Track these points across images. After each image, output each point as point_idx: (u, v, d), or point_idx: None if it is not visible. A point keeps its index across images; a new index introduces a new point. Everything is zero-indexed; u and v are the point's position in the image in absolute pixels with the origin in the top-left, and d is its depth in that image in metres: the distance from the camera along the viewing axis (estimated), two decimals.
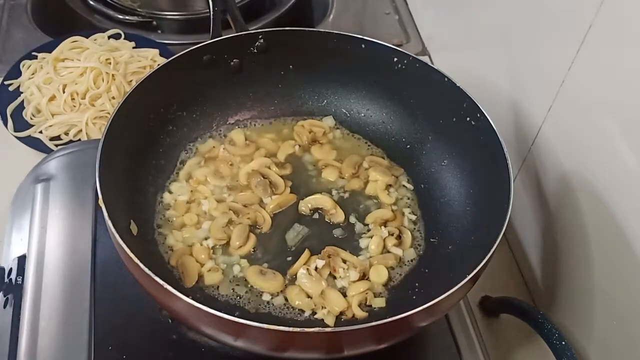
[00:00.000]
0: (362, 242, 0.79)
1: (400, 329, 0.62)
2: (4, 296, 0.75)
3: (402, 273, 0.77)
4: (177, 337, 0.73)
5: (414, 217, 0.83)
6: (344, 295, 0.73)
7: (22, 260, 0.77)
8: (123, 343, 0.71)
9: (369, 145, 0.90)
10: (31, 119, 1.00)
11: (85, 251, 0.78)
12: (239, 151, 0.87)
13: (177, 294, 0.58)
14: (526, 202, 0.87)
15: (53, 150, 0.93)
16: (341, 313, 0.71)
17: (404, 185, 0.86)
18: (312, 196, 0.82)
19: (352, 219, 0.81)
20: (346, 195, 0.84)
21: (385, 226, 0.80)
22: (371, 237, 0.79)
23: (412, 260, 0.78)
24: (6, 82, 1.05)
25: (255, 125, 0.91)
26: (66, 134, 0.99)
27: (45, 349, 0.69)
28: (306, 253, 0.76)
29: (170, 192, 0.82)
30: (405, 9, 1.32)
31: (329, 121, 0.92)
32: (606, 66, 0.67)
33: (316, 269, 0.74)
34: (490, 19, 0.94)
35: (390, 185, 0.85)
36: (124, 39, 1.12)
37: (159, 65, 0.82)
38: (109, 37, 1.12)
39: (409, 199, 0.85)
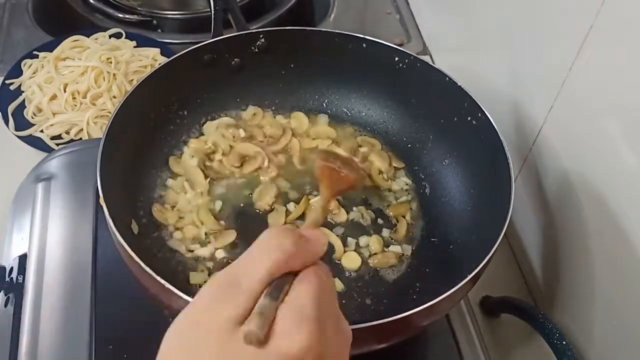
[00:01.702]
0: (362, 241, 0.79)
1: (400, 329, 0.62)
2: (5, 295, 0.76)
3: (402, 271, 0.77)
4: None
5: (413, 211, 0.83)
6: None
7: (22, 259, 0.77)
8: (124, 342, 0.71)
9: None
10: (32, 118, 1.00)
11: (86, 250, 0.78)
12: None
13: (179, 293, 0.58)
14: (527, 202, 0.87)
15: (54, 150, 0.93)
16: None
17: (404, 181, 0.86)
18: (318, 197, 0.82)
19: (352, 215, 0.81)
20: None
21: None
22: (370, 235, 0.79)
23: (410, 256, 0.78)
24: (7, 81, 1.05)
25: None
26: (67, 133, 0.99)
27: (46, 348, 0.69)
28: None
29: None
30: (406, 8, 1.32)
31: (323, 119, 0.92)
32: (607, 66, 0.67)
33: None
34: (491, 19, 0.94)
35: (385, 171, 0.86)
36: (125, 38, 1.12)
37: (159, 64, 0.82)
38: (110, 36, 1.12)
39: (408, 194, 0.85)
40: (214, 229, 0.77)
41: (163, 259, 0.75)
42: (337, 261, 0.77)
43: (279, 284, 0.39)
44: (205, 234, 0.77)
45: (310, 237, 0.43)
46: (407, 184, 0.86)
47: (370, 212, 0.82)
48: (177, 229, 0.78)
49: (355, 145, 0.89)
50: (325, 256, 0.43)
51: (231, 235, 0.77)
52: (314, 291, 0.39)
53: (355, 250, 0.78)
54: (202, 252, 0.76)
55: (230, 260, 0.75)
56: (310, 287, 0.39)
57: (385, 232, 0.80)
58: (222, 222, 0.79)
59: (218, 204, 0.81)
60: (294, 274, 0.40)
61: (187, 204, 0.80)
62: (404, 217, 0.82)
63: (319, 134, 0.90)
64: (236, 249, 0.77)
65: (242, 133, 0.88)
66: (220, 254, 0.76)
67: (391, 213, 0.82)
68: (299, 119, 0.91)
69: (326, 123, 0.92)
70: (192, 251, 0.76)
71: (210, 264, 0.75)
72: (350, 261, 0.77)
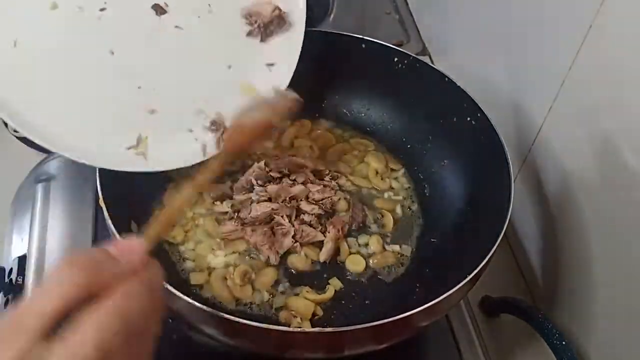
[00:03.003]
0: (361, 239, 0.79)
1: (400, 329, 0.62)
2: (5, 296, 0.76)
3: (402, 271, 0.77)
4: (177, 337, 0.73)
5: (408, 207, 0.84)
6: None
7: (22, 260, 0.77)
8: None
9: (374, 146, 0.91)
10: None
11: None
12: None
13: (178, 294, 0.58)
14: (526, 202, 0.87)
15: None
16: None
17: (403, 181, 0.87)
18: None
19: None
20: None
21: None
22: (370, 235, 0.80)
23: (410, 256, 0.78)
24: None
25: None
26: None
27: None
28: None
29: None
30: (405, 8, 1.32)
31: (323, 124, 0.93)
32: (606, 66, 0.67)
33: None
34: (490, 19, 0.94)
35: (381, 172, 0.86)
36: None
37: None
38: None
39: (407, 194, 0.85)
40: (224, 237, 0.77)
41: (162, 259, 0.74)
42: (340, 263, 0.77)
43: (69, 319, 0.37)
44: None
45: (119, 253, 0.41)
46: (406, 185, 0.86)
47: (372, 212, 0.82)
48: (185, 244, 0.77)
49: (347, 148, 0.90)
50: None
51: (241, 245, 0.76)
52: (100, 321, 0.37)
53: (357, 252, 0.78)
54: (217, 261, 0.75)
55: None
56: (98, 317, 0.37)
57: (374, 228, 0.80)
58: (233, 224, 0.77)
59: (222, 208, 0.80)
60: (101, 297, 0.38)
61: (184, 216, 0.79)
62: (391, 212, 0.82)
63: (317, 138, 0.90)
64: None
65: None
66: (230, 259, 0.76)
67: (378, 205, 0.83)
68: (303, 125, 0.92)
69: (326, 127, 0.92)
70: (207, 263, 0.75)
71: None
72: (355, 263, 0.77)
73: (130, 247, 0.43)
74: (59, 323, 0.36)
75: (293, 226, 0.76)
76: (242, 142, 0.62)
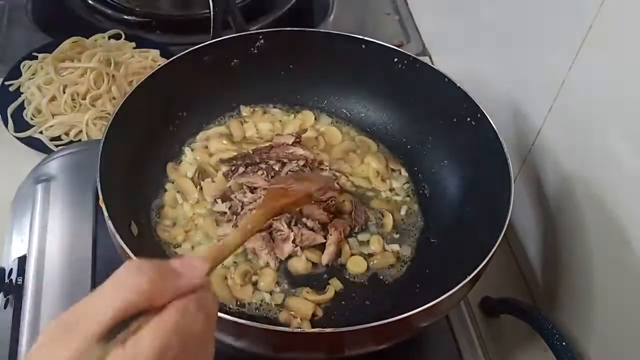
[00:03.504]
0: (360, 236, 0.79)
1: (400, 329, 0.62)
2: (5, 297, 0.75)
3: (402, 272, 0.77)
4: None
5: (408, 207, 0.84)
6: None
7: (22, 260, 0.77)
8: None
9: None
10: (31, 119, 1.00)
11: (86, 252, 0.78)
12: None
13: None
14: (527, 202, 0.87)
15: (53, 151, 0.93)
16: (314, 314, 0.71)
17: (403, 182, 0.86)
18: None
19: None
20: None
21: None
22: (370, 235, 0.80)
23: (410, 257, 0.78)
24: (7, 83, 1.05)
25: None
26: (67, 134, 0.99)
27: None
28: None
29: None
30: (405, 9, 1.32)
31: (324, 120, 0.92)
32: (606, 66, 0.67)
33: None
34: (490, 19, 0.94)
35: (381, 173, 0.86)
36: (125, 39, 1.12)
37: (159, 65, 0.82)
38: (109, 38, 1.12)
39: (407, 195, 0.85)
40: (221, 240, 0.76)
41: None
42: (341, 264, 0.77)
43: (127, 325, 0.36)
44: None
45: (183, 269, 0.41)
46: (406, 185, 0.86)
47: (372, 212, 0.82)
48: (185, 242, 0.77)
49: (352, 147, 0.89)
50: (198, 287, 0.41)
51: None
52: (160, 336, 0.36)
53: (359, 253, 0.78)
54: None
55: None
56: (158, 331, 0.37)
57: (374, 228, 0.80)
58: (231, 227, 0.77)
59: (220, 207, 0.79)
60: (158, 308, 0.38)
61: (184, 216, 0.79)
62: (391, 212, 0.82)
63: (324, 133, 0.90)
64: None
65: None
66: (230, 259, 0.75)
67: (378, 206, 0.83)
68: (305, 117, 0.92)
69: (329, 123, 0.92)
70: None
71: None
72: (356, 265, 0.76)
73: (193, 265, 0.42)
74: (115, 327, 0.36)
75: (292, 231, 0.75)
76: (281, 203, 0.69)
